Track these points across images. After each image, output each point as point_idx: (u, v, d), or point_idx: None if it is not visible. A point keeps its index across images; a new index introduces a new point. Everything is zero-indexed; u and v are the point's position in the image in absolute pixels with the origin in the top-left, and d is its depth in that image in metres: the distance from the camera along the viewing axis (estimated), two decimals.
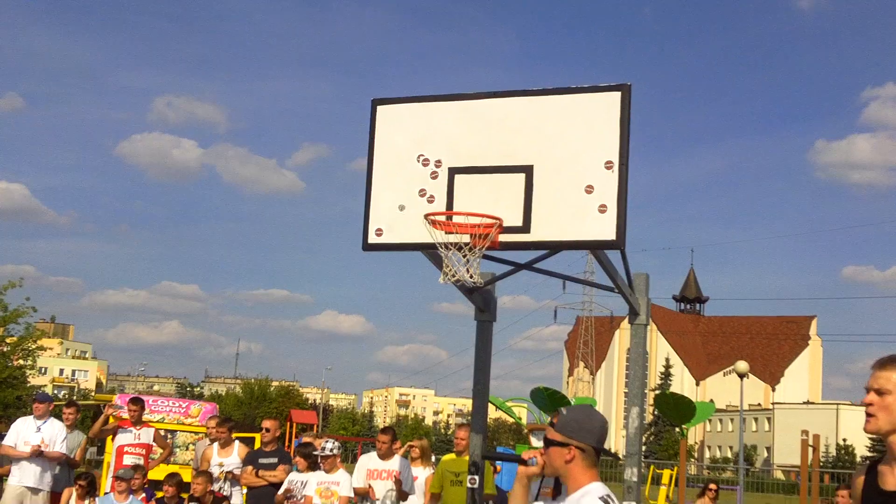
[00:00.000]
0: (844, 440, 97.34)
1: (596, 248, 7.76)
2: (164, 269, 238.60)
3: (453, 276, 7.50)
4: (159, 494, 12.12)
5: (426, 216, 7.61)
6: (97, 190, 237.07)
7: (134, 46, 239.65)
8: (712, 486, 15.65)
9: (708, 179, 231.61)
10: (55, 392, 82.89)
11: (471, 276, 7.51)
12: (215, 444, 12.30)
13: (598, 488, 3.93)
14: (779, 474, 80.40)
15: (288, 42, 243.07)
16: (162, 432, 14.73)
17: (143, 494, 11.95)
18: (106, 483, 13.27)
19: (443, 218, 7.65)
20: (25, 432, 12.08)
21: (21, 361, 39.82)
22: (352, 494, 10.66)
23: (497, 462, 19.79)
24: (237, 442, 12.46)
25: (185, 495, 11.99)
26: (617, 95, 7.61)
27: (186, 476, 12.87)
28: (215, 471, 11.71)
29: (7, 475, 12.15)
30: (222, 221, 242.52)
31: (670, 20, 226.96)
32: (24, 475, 11.91)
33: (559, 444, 3.99)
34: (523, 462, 4.16)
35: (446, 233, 7.57)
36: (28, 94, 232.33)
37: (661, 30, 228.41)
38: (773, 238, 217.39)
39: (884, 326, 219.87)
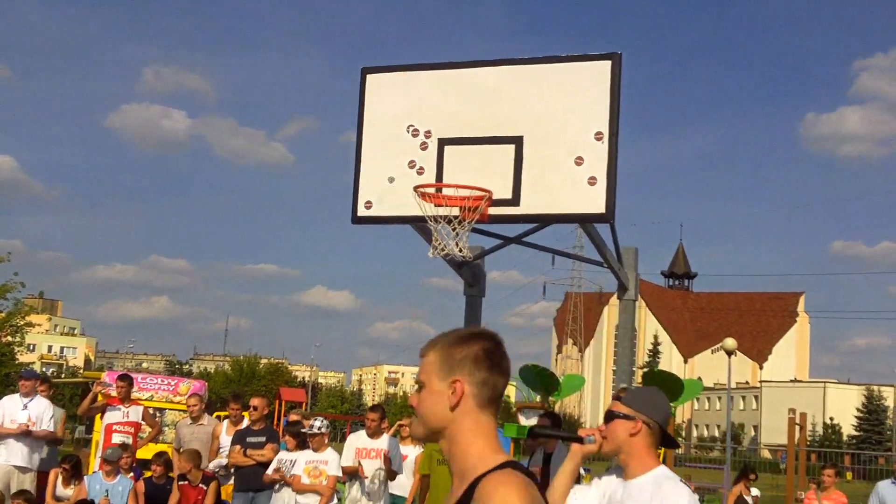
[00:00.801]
0: (831, 419, 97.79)
1: (585, 221, 7.74)
2: (153, 243, 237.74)
3: (442, 249, 7.46)
4: (147, 474, 12.08)
5: (415, 188, 7.57)
6: (86, 163, 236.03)
7: (122, 16, 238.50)
8: (752, 475, 15.67)
9: (697, 153, 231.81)
10: (43, 369, 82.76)
11: (460, 250, 7.48)
12: (225, 422, 12.36)
13: (671, 473, 3.80)
14: (766, 453, 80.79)
15: (278, 13, 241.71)
16: (151, 410, 14.69)
17: (132, 473, 11.91)
18: (95, 461, 13.22)
19: (432, 190, 7.61)
20: (12, 410, 11.99)
21: (9, 338, 39.71)
22: (340, 473, 10.64)
23: None
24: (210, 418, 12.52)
25: (172, 474, 11.97)
26: (607, 65, 7.57)
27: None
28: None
29: None
30: (211, 194, 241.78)
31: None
32: (12, 454, 11.82)
33: (625, 417, 3.83)
34: (580, 440, 3.95)
35: (436, 205, 7.54)
36: (16, 65, 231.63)
37: (650, 3, 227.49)
38: (762, 213, 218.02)
39: (872, 303, 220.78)
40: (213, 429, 12.49)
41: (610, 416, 3.89)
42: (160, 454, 12.27)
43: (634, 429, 3.79)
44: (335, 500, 10.74)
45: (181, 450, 12.05)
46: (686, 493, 3.73)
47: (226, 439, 12.10)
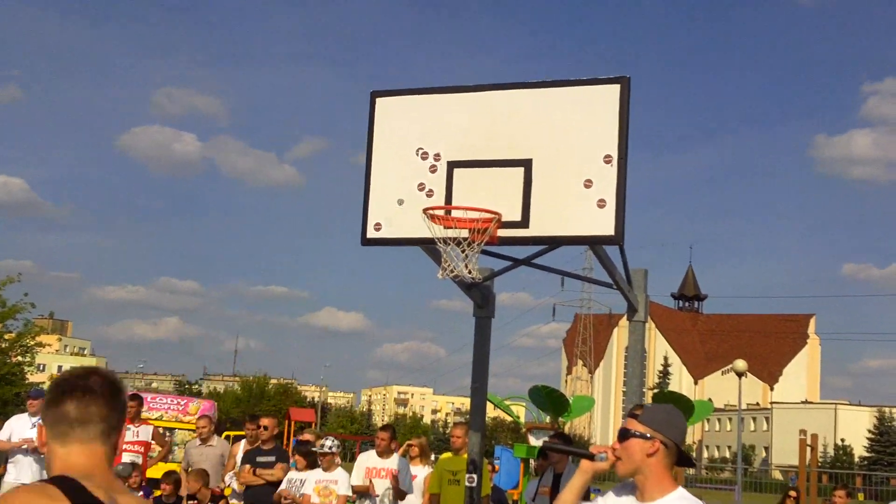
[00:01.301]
0: (843, 440, 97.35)
1: (595, 243, 7.75)
2: (163, 264, 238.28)
3: (451, 271, 7.49)
4: (157, 493, 12.10)
5: (425, 210, 7.60)
6: (96, 183, 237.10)
7: (134, 38, 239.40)
8: (792, 493, 15.59)
9: (707, 175, 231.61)
10: None
11: (469, 272, 7.50)
12: (242, 442, 12.43)
13: (690, 496, 3.68)
14: (777, 474, 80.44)
15: (289, 34, 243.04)
16: (160, 430, 14.71)
17: (141, 493, 11.92)
18: None
19: (441, 212, 7.65)
20: (20, 429, 12.01)
21: (19, 358, 39.80)
22: (350, 493, 10.65)
23: (496, 461, 19.74)
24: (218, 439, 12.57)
25: (182, 493, 11.98)
26: (616, 88, 7.60)
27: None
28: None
29: (4, 475, 12.12)
30: (222, 215, 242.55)
31: (670, 14, 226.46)
32: (21, 472, 11.84)
33: (642, 437, 3.68)
34: (590, 457, 3.82)
35: (445, 227, 7.57)
36: (27, 86, 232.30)
37: (661, 23, 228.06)
38: (772, 235, 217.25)
39: (882, 325, 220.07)
40: (229, 448, 12.54)
41: (625, 434, 3.74)
42: (170, 473, 12.29)
43: (652, 448, 3.66)
44: None
45: (189, 470, 12.07)
46: None
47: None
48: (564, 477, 9.25)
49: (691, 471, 70.55)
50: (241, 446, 12.37)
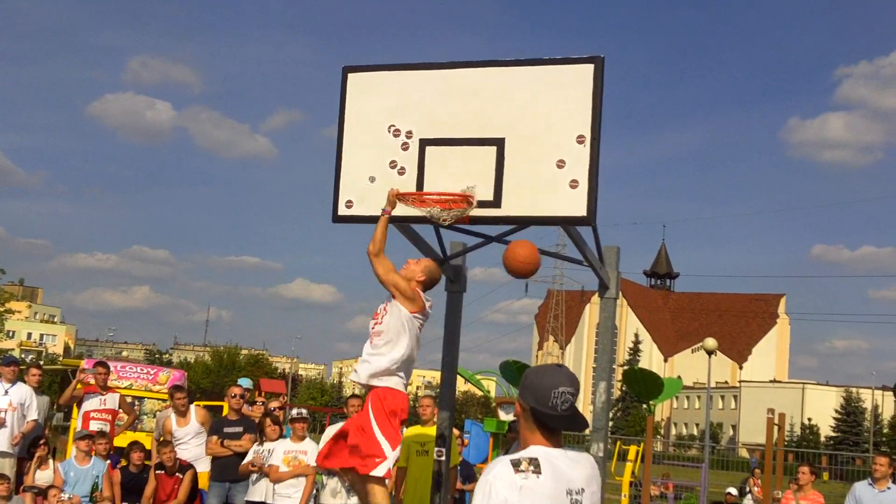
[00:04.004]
0: (809, 419, 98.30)
1: (567, 223, 7.74)
2: (135, 232, 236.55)
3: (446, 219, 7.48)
4: (124, 462, 12.07)
5: (399, 196, 7.57)
6: (68, 151, 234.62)
7: (108, 5, 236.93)
8: (757, 471, 15.64)
9: (681, 155, 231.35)
10: (23, 356, 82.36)
11: (443, 220, 7.51)
12: (173, 414, 12.19)
13: (528, 451, 3.71)
14: (743, 452, 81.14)
15: (266, 4, 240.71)
16: (129, 399, 14.66)
17: (109, 461, 11.89)
18: (72, 449, 13.19)
19: (413, 193, 7.62)
20: None
21: None
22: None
23: (465, 435, 19.78)
24: (193, 408, 12.34)
25: (149, 462, 11.96)
26: (590, 68, 7.57)
27: (150, 444, 12.87)
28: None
29: None
30: (194, 186, 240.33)
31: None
32: None
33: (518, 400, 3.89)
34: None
35: (417, 207, 7.55)
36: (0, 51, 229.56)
37: (635, 4, 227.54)
38: (744, 215, 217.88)
39: (851, 306, 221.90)
40: (207, 418, 12.37)
41: None
42: (136, 442, 12.27)
43: (517, 411, 3.87)
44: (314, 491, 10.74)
45: (161, 439, 12.02)
46: (496, 463, 3.70)
47: (178, 432, 12.00)
48: None
49: (659, 447, 71.08)
50: (174, 419, 12.11)
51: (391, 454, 7.19)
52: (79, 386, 12.88)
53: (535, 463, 3.66)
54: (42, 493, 11.35)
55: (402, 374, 7.54)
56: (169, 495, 11.42)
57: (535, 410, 3.76)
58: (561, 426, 3.81)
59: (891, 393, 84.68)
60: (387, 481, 7.58)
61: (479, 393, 69.21)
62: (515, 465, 3.64)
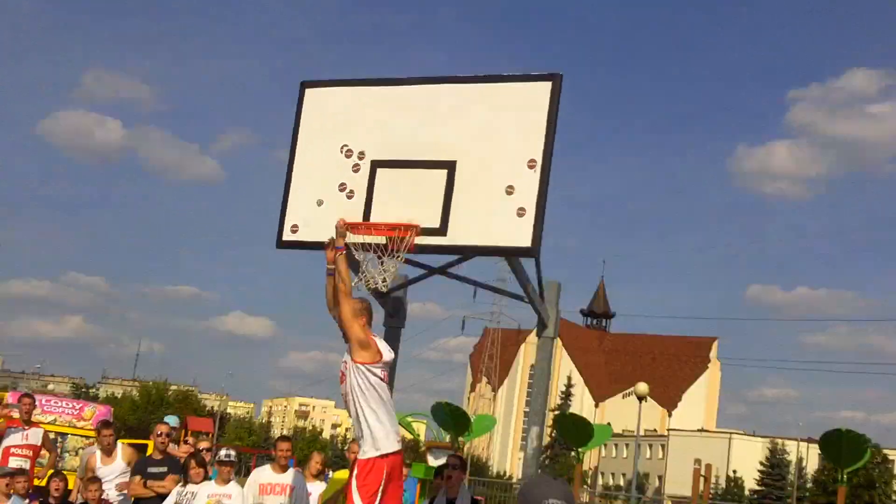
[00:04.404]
0: (735, 472, 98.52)
1: (510, 254, 7.69)
2: (71, 257, 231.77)
3: (367, 282, 7.39)
4: None
5: (343, 226, 7.48)
6: (7, 170, 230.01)
7: (63, 19, 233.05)
8: None
9: (624, 186, 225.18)
10: None
11: (383, 281, 7.42)
12: (98, 452, 11.82)
13: None
14: None
15: (220, 20, 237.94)
16: (52, 435, 14.35)
17: (27, 500, 11.60)
18: None
19: (359, 220, 7.54)
20: None
21: None
22: None
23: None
24: (119, 446, 12.03)
25: (72, 499, 11.69)
26: (547, 86, 7.45)
27: (73, 483, 12.55)
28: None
29: None
30: (137, 209, 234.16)
31: (587, 17, 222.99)
32: None
33: None
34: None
35: (363, 235, 7.45)
36: None
37: (580, 26, 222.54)
38: (683, 252, 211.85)
39: (783, 352, 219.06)
40: (133, 456, 12.00)
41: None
42: (59, 472, 11.97)
43: None
44: None
45: (84, 478, 11.73)
46: None
47: (102, 470, 11.58)
48: (459, 501, 9.22)
49: (585, 497, 71.03)
50: (99, 457, 11.74)
51: None
52: (1, 421, 12.57)
53: None
54: None
55: (385, 434, 7.19)
56: None
57: None
58: None
59: (816, 445, 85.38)
60: None
61: (409, 437, 68.83)
62: None
